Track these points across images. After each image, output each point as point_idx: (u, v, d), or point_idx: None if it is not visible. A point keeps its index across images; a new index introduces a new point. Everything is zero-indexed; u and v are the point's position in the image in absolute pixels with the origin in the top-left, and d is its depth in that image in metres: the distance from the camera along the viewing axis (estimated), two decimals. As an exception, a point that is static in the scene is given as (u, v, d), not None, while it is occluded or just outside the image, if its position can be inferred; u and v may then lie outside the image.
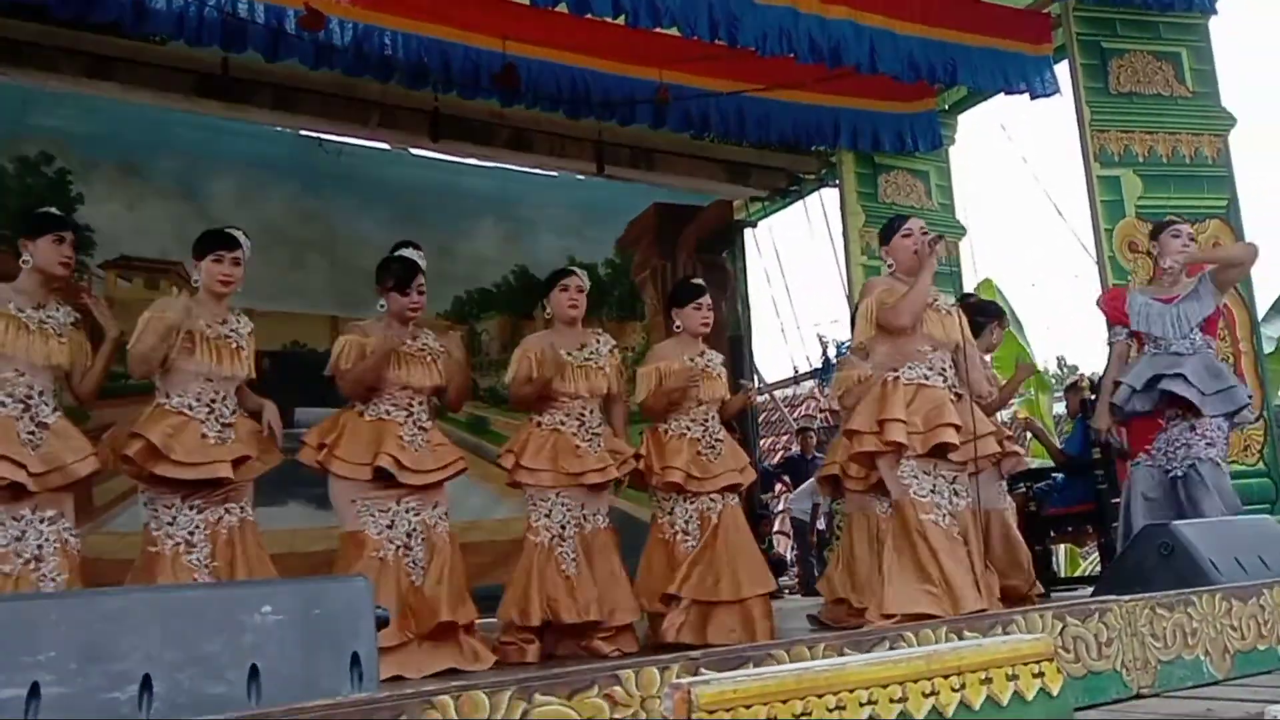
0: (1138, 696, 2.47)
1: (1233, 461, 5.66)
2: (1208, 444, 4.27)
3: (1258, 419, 5.80)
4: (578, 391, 4.33)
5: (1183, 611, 2.61)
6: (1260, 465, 5.74)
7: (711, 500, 4.43)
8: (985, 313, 5.37)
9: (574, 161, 7.81)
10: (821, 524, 8.17)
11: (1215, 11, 6.20)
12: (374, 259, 7.29)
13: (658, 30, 5.62)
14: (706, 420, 4.50)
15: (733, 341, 8.62)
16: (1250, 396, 4.66)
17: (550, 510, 4.23)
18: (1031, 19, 6.55)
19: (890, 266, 4.20)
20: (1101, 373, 4.71)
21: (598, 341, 4.49)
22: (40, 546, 3.38)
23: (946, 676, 1.52)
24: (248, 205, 7.00)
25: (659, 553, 4.46)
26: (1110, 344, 4.68)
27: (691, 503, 4.42)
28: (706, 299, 4.66)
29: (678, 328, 4.65)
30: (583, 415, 4.36)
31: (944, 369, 4.06)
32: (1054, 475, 6.59)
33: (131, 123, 6.63)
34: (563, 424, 4.30)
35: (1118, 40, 6.13)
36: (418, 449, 3.93)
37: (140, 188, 6.76)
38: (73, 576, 3.43)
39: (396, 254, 4.23)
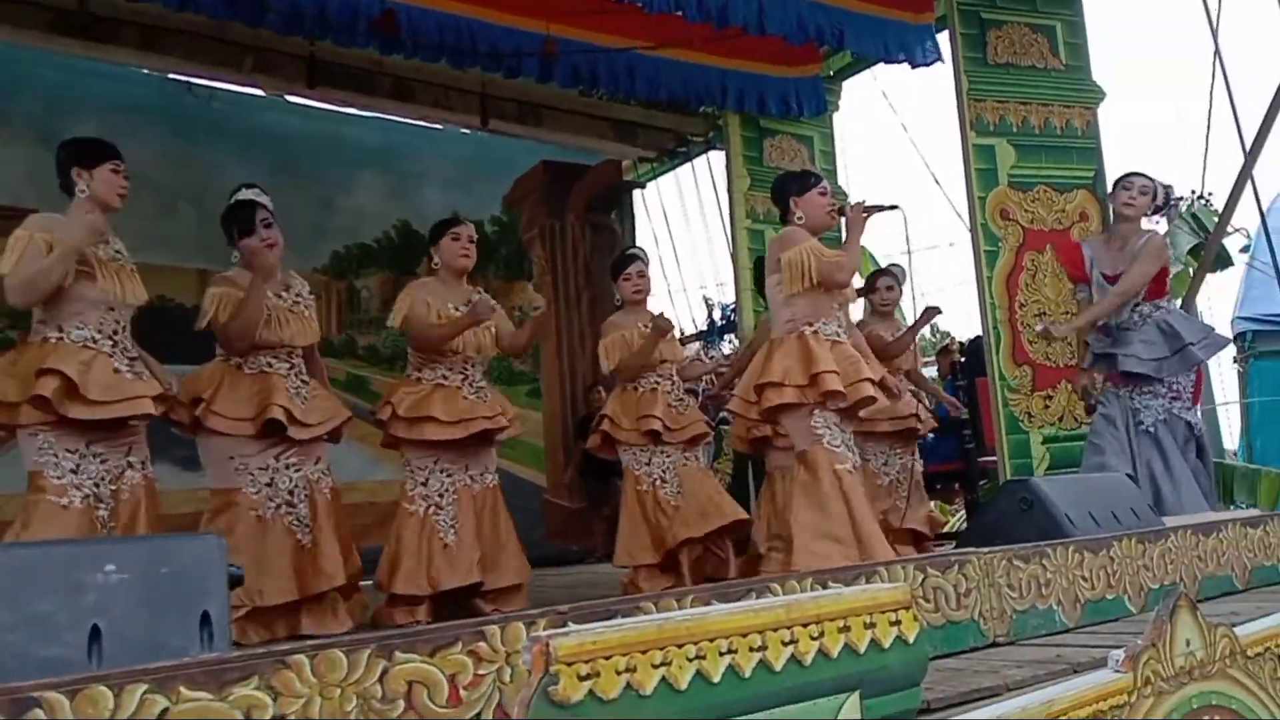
0: (994, 645, 2.57)
1: (1088, 423, 5.94)
2: (1173, 397, 4.60)
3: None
4: (462, 349, 4.24)
5: (1038, 563, 2.72)
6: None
7: (685, 456, 4.80)
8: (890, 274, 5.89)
9: (459, 114, 7.64)
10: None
11: (1090, -15, 6.39)
12: (248, 211, 7.17)
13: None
14: (672, 377, 4.88)
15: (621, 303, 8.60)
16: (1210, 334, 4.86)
17: (427, 479, 4.14)
18: (915, -13, 6.64)
19: (799, 220, 4.08)
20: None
21: (479, 297, 4.40)
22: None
23: (805, 625, 1.54)
24: None
25: (640, 506, 4.69)
26: (1078, 299, 5.04)
27: (668, 455, 4.73)
28: (635, 267, 4.97)
29: (619, 301, 4.98)
30: (466, 371, 4.29)
31: (849, 328, 4.16)
32: (924, 434, 6.79)
33: (-18, 60, 6.22)
34: (445, 379, 4.21)
35: (996, 11, 6.25)
36: (303, 401, 3.81)
37: (-6, 129, 6.37)
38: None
39: (233, 199, 4.04)
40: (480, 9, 6.16)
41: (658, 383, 4.80)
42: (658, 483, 4.73)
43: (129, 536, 2.76)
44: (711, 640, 1.42)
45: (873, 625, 1.63)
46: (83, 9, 5.81)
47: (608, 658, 1.31)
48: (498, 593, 4.17)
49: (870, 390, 3.87)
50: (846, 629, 1.59)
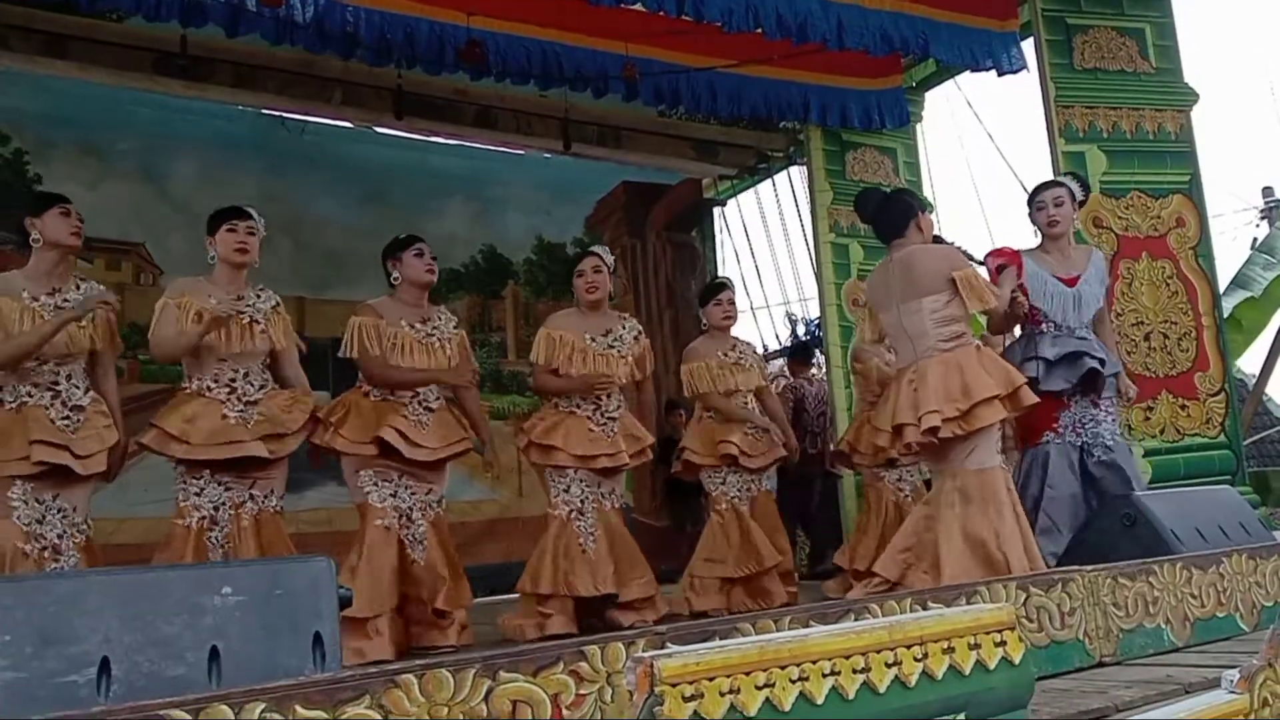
0: (1100, 665, 2.50)
1: (1194, 433, 5.77)
2: (1113, 420, 4.37)
3: (1218, 392, 5.88)
4: (607, 372, 4.32)
5: (1144, 581, 2.65)
6: (1221, 437, 5.81)
7: (754, 479, 4.89)
8: None
9: (540, 139, 7.74)
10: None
11: (1179, -14, 6.24)
12: (340, 239, 7.38)
13: (623, 5, 5.59)
14: (747, 405, 4.93)
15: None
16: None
17: (569, 485, 4.26)
18: (998, -5, 6.55)
19: (920, 240, 4.02)
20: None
21: (623, 326, 4.48)
22: (59, 537, 3.39)
23: (909, 646, 1.53)
24: (209, 186, 6.90)
25: (728, 523, 4.79)
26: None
27: (740, 477, 4.84)
28: (727, 294, 5.08)
29: (705, 326, 5.04)
30: (599, 400, 4.34)
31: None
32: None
33: (89, 102, 6.51)
34: (578, 407, 4.31)
35: (1082, 16, 6.14)
36: (424, 428, 3.95)
37: (99, 168, 6.66)
38: (86, 564, 3.40)
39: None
40: (562, 32, 6.26)
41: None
42: (735, 501, 4.84)
43: (243, 560, 2.87)
44: (814, 662, 1.42)
45: (977, 646, 1.61)
46: (183, 49, 6.04)
47: (711, 679, 1.32)
48: (634, 605, 4.29)
49: (1032, 398, 3.76)
50: (951, 650, 1.57)
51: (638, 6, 5.52)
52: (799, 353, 8.06)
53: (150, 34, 5.95)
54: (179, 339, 3.56)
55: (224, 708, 1.45)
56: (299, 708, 1.50)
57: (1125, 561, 2.69)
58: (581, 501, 4.25)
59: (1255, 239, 10.00)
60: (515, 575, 4.35)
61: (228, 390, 3.61)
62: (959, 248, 4.12)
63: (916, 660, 1.53)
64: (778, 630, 1.99)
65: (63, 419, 3.40)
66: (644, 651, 1.83)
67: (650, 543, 8.07)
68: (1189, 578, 2.75)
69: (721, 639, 1.93)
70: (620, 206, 8.66)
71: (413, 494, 3.94)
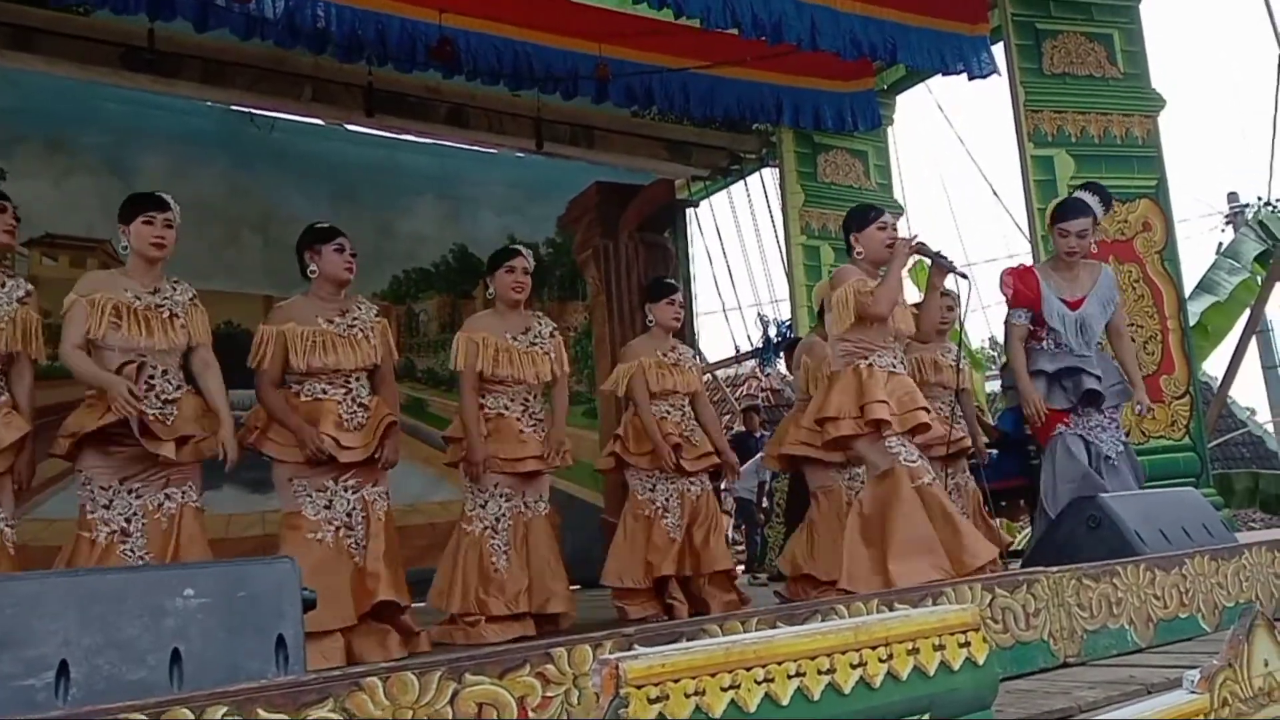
0: (1064, 665, 2.53)
1: (1159, 436, 5.83)
2: (1116, 427, 4.49)
3: (1183, 395, 5.94)
4: (522, 377, 4.27)
5: (1108, 582, 2.67)
6: (1186, 440, 5.89)
7: (690, 482, 4.74)
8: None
9: (513, 138, 7.72)
10: (765, 502, 8.23)
11: (1147, -7, 6.31)
12: (310, 237, 7.32)
13: (598, 4, 5.59)
14: (683, 407, 4.81)
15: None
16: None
17: (486, 501, 4.19)
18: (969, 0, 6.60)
19: (859, 254, 4.15)
20: (1006, 351, 4.63)
21: (539, 324, 4.44)
22: None
23: (874, 648, 1.53)
24: (178, 182, 6.77)
25: (639, 530, 4.68)
26: (1011, 323, 4.58)
27: (673, 483, 4.70)
28: (679, 295, 4.96)
29: (650, 322, 4.90)
30: (527, 400, 4.32)
31: (902, 359, 4.18)
32: (987, 451, 6.69)
33: (56, 96, 6.42)
34: (506, 409, 4.26)
35: (1051, 21, 6.19)
36: (357, 426, 3.82)
37: (65, 164, 6.56)
38: (6, 567, 3.25)
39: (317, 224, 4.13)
40: (535, 32, 6.26)
41: (667, 413, 4.76)
42: (660, 511, 4.72)
43: (205, 562, 2.81)
44: (780, 663, 1.42)
45: (942, 647, 1.61)
46: (150, 44, 5.98)
47: (676, 680, 1.32)
48: (547, 620, 4.22)
49: (925, 418, 3.92)
50: (915, 651, 1.58)
51: (612, 4, 5.52)
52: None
53: (118, 27, 5.90)
54: (92, 375, 3.39)
55: (185, 711, 1.43)
56: (261, 711, 1.49)
57: (1090, 563, 2.72)
58: (497, 519, 4.18)
59: (1220, 244, 10.13)
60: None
61: (145, 388, 3.43)
62: (916, 242, 4.13)
63: (881, 661, 1.53)
64: (745, 632, 1.99)
65: None
66: (611, 653, 1.83)
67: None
68: (1152, 579, 2.78)
69: (689, 640, 1.94)
70: (593, 206, 8.65)
71: (354, 493, 3.80)
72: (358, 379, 3.92)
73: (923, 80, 7.81)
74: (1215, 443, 6.88)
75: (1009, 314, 4.60)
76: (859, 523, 3.94)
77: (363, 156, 7.73)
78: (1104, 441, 4.39)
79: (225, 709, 1.46)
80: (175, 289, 3.63)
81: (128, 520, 3.38)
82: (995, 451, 6.61)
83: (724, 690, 1.35)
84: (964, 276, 4.15)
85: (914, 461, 3.92)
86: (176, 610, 1.63)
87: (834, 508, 5.09)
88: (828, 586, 4.95)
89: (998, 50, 6.47)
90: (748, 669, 1.39)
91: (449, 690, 1.66)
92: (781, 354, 8.82)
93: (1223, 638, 1.87)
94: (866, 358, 4.02)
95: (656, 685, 1.29)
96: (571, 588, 4.50)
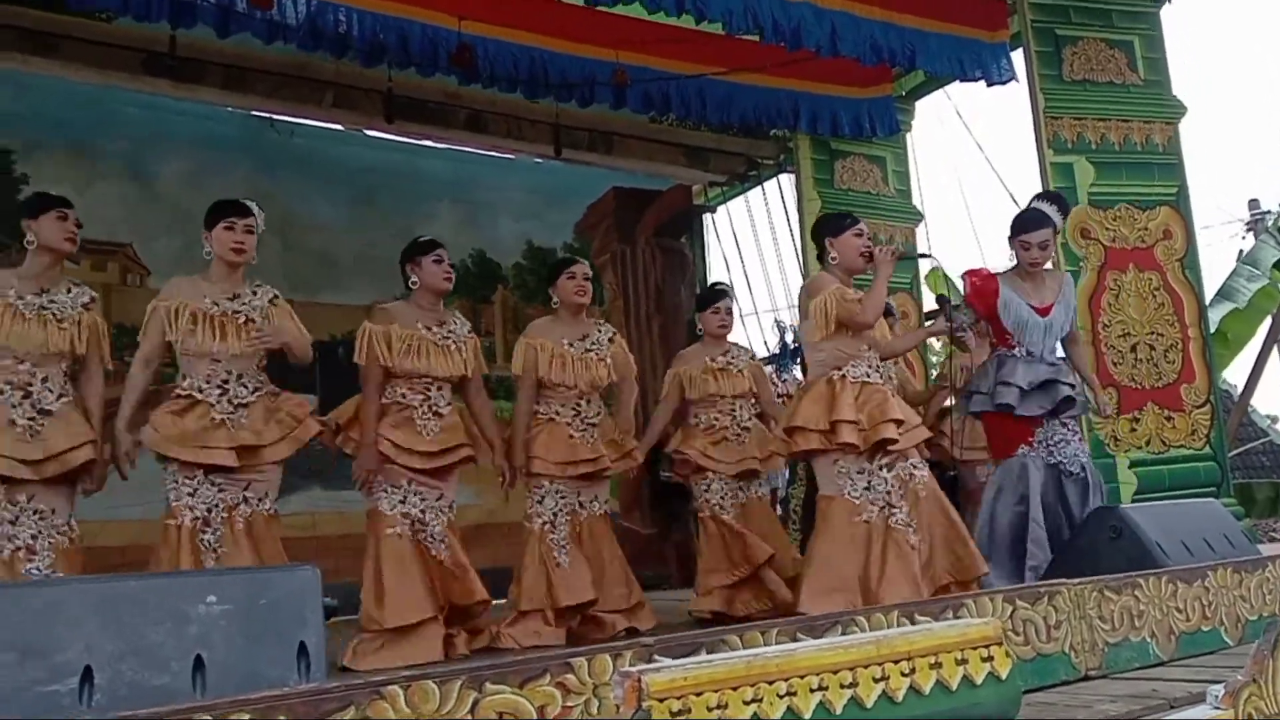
0: (1085, 678, 2.51)
1: (1179, 445, 5.80)
2: (1079, 439, 4.42)
3: (1203, 404, 5.90)
4: (575, 383, 4.32)
5: (1130, 594, 2.65)
6: (1206, 449, 5.84)
7: (740, 485, 4.82)
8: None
9: (531, 144, 7.74)
10: (778, 510, 8.21)
11: (1167, 1, 6.27)
12: (328, 241, 7.35)
13: (616, 11, 5.59)
14: (734, 411, 4.85)
15: (691, 326, 8.62)
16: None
17: (543, 498, 4.25)
18: (988, 6, 6.57)
19: (833, 260, 4.13)
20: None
21: (599, 331, 4.48)
22: (34, 538, 3.32)
23: (896, 661, 1.53)
24: (198, 187, 6.85)
25: (710, 530, 4.77)
26: (957, 321, 4.59)
27: (726, 483, 4.79)
28: (725, 303, 5.04)
29: (700, 331, 5.02)
30: (578, 405, 4.35)
31: (879, 366, 4.11)
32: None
33: (77, 102, 6.47)
34: (557, 414, 4.30)
35: (1071, 27, 6.16)
36: (429, 435, 3.91)
37: (87, 168, 6.61)
38: (68, 570, 3.32)
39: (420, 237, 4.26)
40: (553, 40, 6.27)
41: (715, 419, 4.85)
42: (718, 508, 4.81)
43: (228, 568, 2.83)
44: (802, 677, 1.42)
45: (964, 661, 1.61)
46: (172, 50, 6.02)
47: (699, 694, 1.32)
48: (618, 613, 4.28)
49: (890, 432, 3.84)
50: (938, 665, 1.58)
51: (634, 9, 5.52)
52: None
53: (140, 34, 5.93)
54: (127, 406, 3.56)
55: (208, 717, 1.44)
56: (283, 718, 1.49)
57: (1111, 575, 2.70)
58: (555, 514, 4.23)
59: (1240, 251, 10.06)
60: (499, 580, 4.34)
61: (219, 392, 3.54)
62: (898, 250, 4.13)
63: (904, 675, 1.53)
64: (765, 642, 1.99)
65: (28, 420, 3.36)
66: (631, 664, 1.83)
67: (635, 549, 8.09)
68: (1174, 591, 2.76)
69: (709, 651, 1.93)
70: (610, 212, 8.66)
71: (423, 499, 3.91)
72: (439, 389, 4.01)
73: (941, 86, 7.78)
74: (1236, 452, 6.83)
75: (955, 309, 4.61)
76: (811, 544, 4.00)
77: (382, 162, 7.76)
78: (1066, 456, 4.29)
79: (248, 716, 1.46)
80: (255, 294, 3.72)
81: (209, 510, 3.46)
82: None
83: (746, 704, 1.35)
84: (927, 256, 4.25)
85: (859, 495, 3.88)
86: (199, 617, 1.64)
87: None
88: None
89: (1017, 57, 6.45)
90: (770, 682, 1.39)
91: (469, 699, 1.67)
92: (798, 360, 8.81)
93: (1245, 651, 1.86)
94: (840, 368, 3.99)
95: (679, 698, 1.29)
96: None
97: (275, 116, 7.13)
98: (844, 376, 3.95)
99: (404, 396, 3.92)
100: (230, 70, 6.44)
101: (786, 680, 1.39)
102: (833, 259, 4.12)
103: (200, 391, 3.53)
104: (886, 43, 6.15)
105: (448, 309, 4.25)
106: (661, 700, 1.27)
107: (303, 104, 6.87)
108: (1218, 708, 1.77)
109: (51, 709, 1.51)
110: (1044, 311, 4.37)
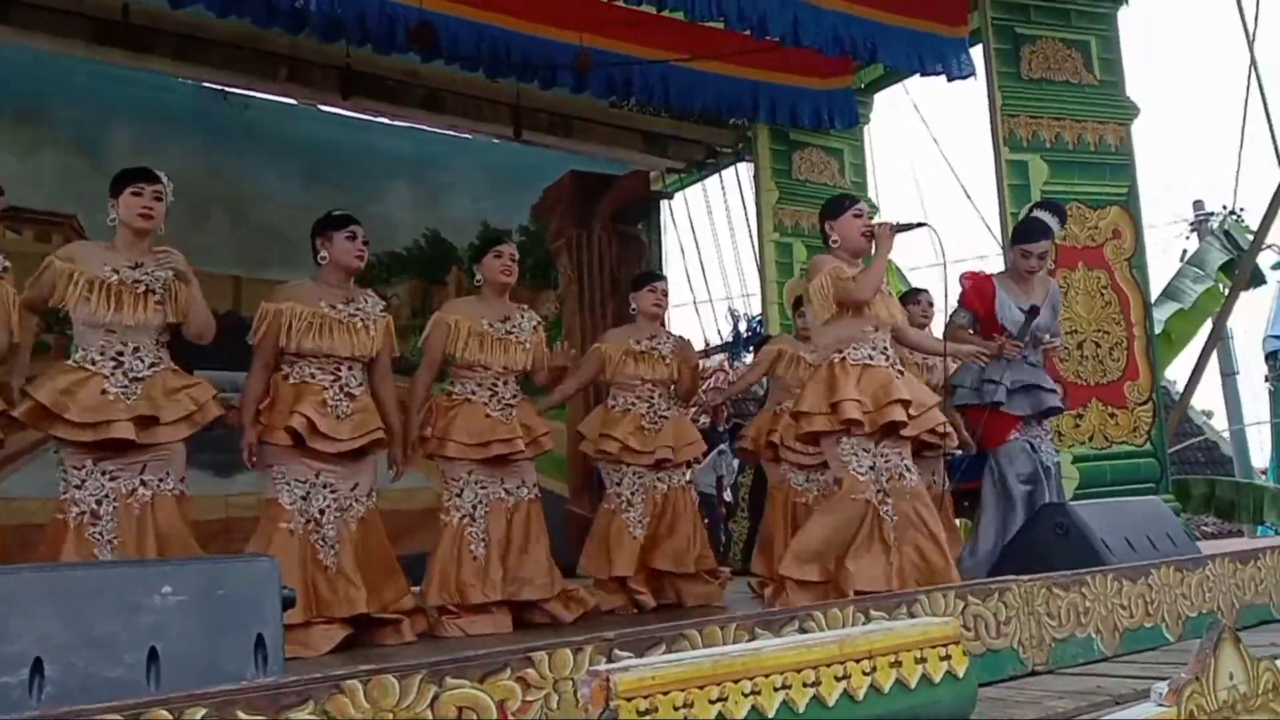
0: (1033, 674, 2.56)
1: (1121, 441, 5.92)
2: (1050, 438, 4.59)
3: (1146, 401, 6.03)
4: (491, 364, 4.24)
5: (1077, 591, 2.71)
6: (1147, 446, 5.97)
7: (657, 476, 4.72)
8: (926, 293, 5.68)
9: (489, 124, 7.67)
10: (729, 496, 8.26)
11: (1125, 2, 6.37)
12: (280, 217, 7.23)
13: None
14: (651, 398, 4.74)
15: (646, 312, 8.63)
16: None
17: (462, 490, 4.16)
18: (949, 1, 6.62)
19: (835, 243, 4.12)
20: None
21: (521, 315, 4.41)
22: None
23: (858, 660, 1.55)
24: (147, 158, 6.51)
25: (606, 523, 4.67)
26: (954, 322, 4.64)
27: (640, 476, 4.69)
28: (661, 284, 4.95)
29: (633, 310, 4.91)
30: (495, 386, 4.28)
31: (886, 348, 4.08)
32: (953, 451, 6.74)
33: (25, 68, 6.28)
34: (473, 394, 4.23)
35: (1031, 26, 6.22)
36: (339, 416, 3.75)
37: (33, 137, 6.42)
38: None
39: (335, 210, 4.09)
40: (516, 20, 6.20)
41: (633, 404, 4.73)
42: (624, 504, 4.70)
43: (185, 559, 2.76)
44: (766, 676, 1.43)
45: (923, 660, 1.63)
46: (124, 18, 5.87)
47: (666, 693, 1.32)
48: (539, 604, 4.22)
49: (899, 414, 3.84)
50: (898, 664, 1.60)
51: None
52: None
53: (92, 1, 5.78)
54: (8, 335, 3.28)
55: (163, 712, 1.41)
56: (241, 713, 1.47)
57: (1059, 572, 2.75)
58: (474, 506, 4.14)
59: (1185, 251, 10.28)
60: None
61: (113, 364, 3.37)
62: (896, 224, 4.09)
63: (865, 674, 1.55)
64: (724, 637, 2.00)
65: None
66: (591, 658, 1.83)
67: (584, 533, 8.10)
68: (1119, 588, 2.82)
69: (669, 646, 1.94)
70: (567, 195, 8.60)
71: (333, 493, 3.75)
72: (349, 368, 3.86)
73: (900, 80, 7.83)
74: (1174, 449, 6.99)
75: (954, 312, 4.65)
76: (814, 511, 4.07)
77: (336, 137, 7.62)
78: (1044, 452, 4.47)
79: (204, 710, 1.44)
80: (158, 264, 3.54)
81: (98, 503, 3.29)
82: (960, 452, 6.68)
83: (711, 703, 1.36)
84: (923, 225, 4.12)
85: (864, 473, 3.89)
86: (154, 608, 1.61)
87: (781, 504, 5.28)
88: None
89: (976, 53, 6.51)
90: (735, 681, 1.40)
91: (430, 693, 1.66)
92: (751, 348, 8.85)
93: (1186, 648, 1.90)
94: (841, 351, 3.99)
95: (646, 697, 1.29)
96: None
97: (228, 89, 6.99)
98: (844, 359, 3.95)
99: (313, 377, 3.76)
100: (184, 40, 6.31)
101: (751, 679, 1.40)
102: (834, 242, 4.12)
103: (93, 364, 3.36)
104: (849, 34, 6.18)
105: (367, 288, 4.09)
106: (629, 699, 1.28)
107: (257, 77, 6.76)
108: (1162, 704, 1.81)
109: (0, 702, 1.48)
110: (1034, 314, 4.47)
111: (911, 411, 3.90)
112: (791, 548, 3.90)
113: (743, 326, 8.91)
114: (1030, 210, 4.84)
